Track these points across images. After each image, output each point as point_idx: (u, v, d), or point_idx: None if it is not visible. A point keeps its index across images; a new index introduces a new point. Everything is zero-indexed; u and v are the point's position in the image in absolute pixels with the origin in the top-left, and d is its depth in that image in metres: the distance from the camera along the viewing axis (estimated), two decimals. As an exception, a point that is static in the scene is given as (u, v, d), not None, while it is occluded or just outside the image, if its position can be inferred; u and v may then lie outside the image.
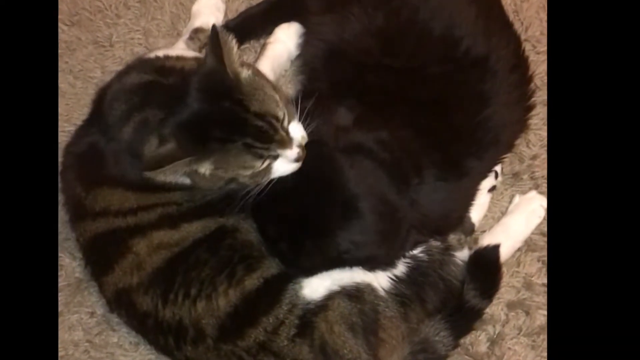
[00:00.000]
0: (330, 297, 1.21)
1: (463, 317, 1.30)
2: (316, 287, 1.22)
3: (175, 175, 1.11)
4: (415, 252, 1.29)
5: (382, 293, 1.23)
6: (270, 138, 1.12)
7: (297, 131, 1.18)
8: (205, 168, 1.12)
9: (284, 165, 1.16)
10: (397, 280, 1.26)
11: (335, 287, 1.22)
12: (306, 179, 1.17)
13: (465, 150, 1.32)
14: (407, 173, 1.25)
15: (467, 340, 1.37)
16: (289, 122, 1.16)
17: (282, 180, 1.18)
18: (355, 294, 1.21)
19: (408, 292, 1.26)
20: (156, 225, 1.23)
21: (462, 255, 1.34)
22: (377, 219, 1.19)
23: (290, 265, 1.21)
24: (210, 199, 1.25)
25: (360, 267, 1.24)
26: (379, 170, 1.21)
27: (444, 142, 1.30)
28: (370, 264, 1.23)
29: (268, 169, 1.15)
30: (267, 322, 1.18)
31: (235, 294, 1.19)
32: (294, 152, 1.15)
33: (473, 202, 1.39)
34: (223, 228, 1.23)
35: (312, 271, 1.20)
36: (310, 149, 1.18)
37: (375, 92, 1.31)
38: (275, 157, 1.14)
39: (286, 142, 1.14)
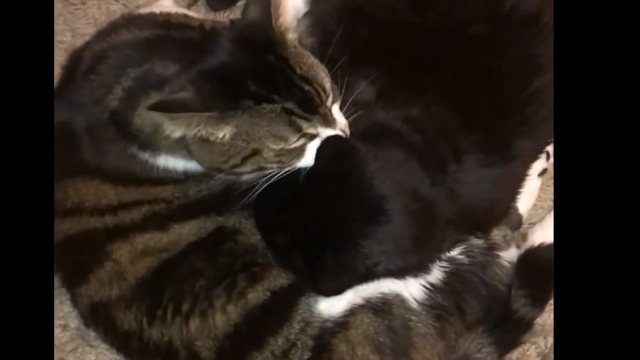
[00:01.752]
0: (352, 312, 1.10)
1: (510, 329, 1.19)
2: (335, 300, 1.11)
3: (187, 129, 0.99)
4: (453, 253, 1.17)
5: (414, 305, 1.12)
6: (315, 109, 1.02)
7: (340, 117, 1.08)
8: (225, 132, 1.01)
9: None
10: (432, 288, 1.14)
11: (358, 300, 1.10)
12: (321, 176, 1.05)
13: (514, 129, 1.18)
14: (444, 159, 1.12)
15: (514, 355, 1.24)
16: (332, 103, 1.06)
17: (292, 178, 1.06)
18: (381, 307, 1.10)
19: (445, 302, 1.15)
20: (141, 227, 1.12)
21: (509, 255, 1.22)
22: (410, 221, 1.06)
23: (311, 286, 1.09)
24: (206, 194, 1.15)
25: (388, 275, 1.12)
26: (410, 159, 1.08)
27: (488, 120, 1.17)
28: (403, 274, 1.12)
29: (300, 150, 1.05)
30: (275, 345, 1.07)
31: (237, 310, 1.08)
32: (337, 133, 1.05)
33: (521, 190, 1.26)
34: (222, 229, 1.13)
35: (337, 292, 1.08)
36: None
37: (403, 59, 1.19)
38: (313, 137, 1.05)
39: (330, 120, 1.05)
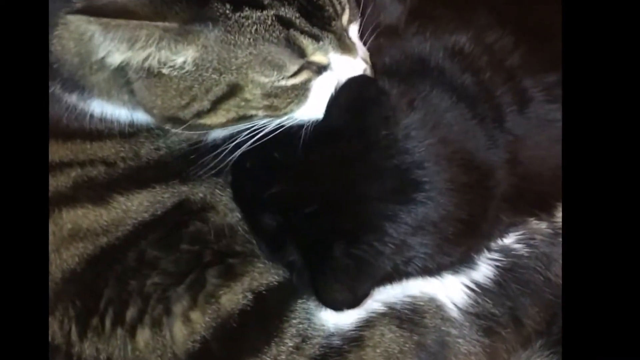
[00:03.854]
0: (369, 323, 0.95)
1: (580, 345, 1.01)
2: (345, 309, 0.97)
3: (131, 50, 0.80)
4: (508, 241, 1.00)
5: (454, 313, 0.98)
6: (328, 23, 0.83)
7: (359, 43, 0.88)
8: (186, 57, 0.82)
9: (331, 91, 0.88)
10: (479, 290, 0.98)
11: (377, 306, 0.96)
12: (331, 131, 0.86)
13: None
14: (502, 110, 0.92)
15: (582, 379, 1.07)
16: (349, 22, 0.87)
17: (288, 134, 0.88)
18: (410, 316, 0.96)
19: (497, 310, 0.99)
20: (69, 199, 0.97)
21: (580, 243, 1.04)
22: (458, 201, 0.86)
23: (312, 293, 0.91)
24: (165, 154, 0.99)
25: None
26: (459, 107, 0.89)
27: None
28: (440, 271, 0.95)
29: (302, 89, 0.86)
30: (259, 368, 0.94)
31: (204, 318, 0.93)
32: (358, 64, 0.85)
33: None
34: (186, 204, 0.98)
35: (351, 304, 0.88)
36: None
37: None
38: (321, 70, 0.86)
39: (347, 44, 0.85)
